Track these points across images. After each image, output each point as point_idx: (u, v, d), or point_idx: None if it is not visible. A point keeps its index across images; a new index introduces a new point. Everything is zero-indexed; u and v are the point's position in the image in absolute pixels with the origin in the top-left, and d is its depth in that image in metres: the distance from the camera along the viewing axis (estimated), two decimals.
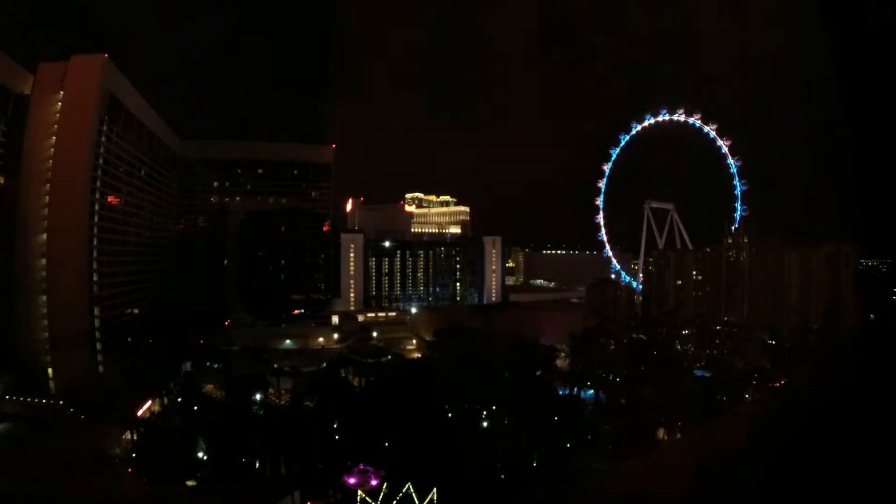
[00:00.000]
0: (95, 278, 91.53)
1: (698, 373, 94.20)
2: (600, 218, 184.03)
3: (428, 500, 46.15)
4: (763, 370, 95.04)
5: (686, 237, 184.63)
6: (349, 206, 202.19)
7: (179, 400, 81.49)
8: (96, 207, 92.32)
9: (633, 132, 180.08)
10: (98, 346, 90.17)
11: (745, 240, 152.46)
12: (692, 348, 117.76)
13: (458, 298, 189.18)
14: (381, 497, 46.86)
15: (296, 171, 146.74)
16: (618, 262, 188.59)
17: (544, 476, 60.65)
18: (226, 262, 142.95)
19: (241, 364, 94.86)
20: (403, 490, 46.38)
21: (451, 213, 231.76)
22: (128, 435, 69.50)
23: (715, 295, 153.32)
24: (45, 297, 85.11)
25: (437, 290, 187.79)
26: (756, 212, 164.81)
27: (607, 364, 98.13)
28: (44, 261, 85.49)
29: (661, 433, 72.13)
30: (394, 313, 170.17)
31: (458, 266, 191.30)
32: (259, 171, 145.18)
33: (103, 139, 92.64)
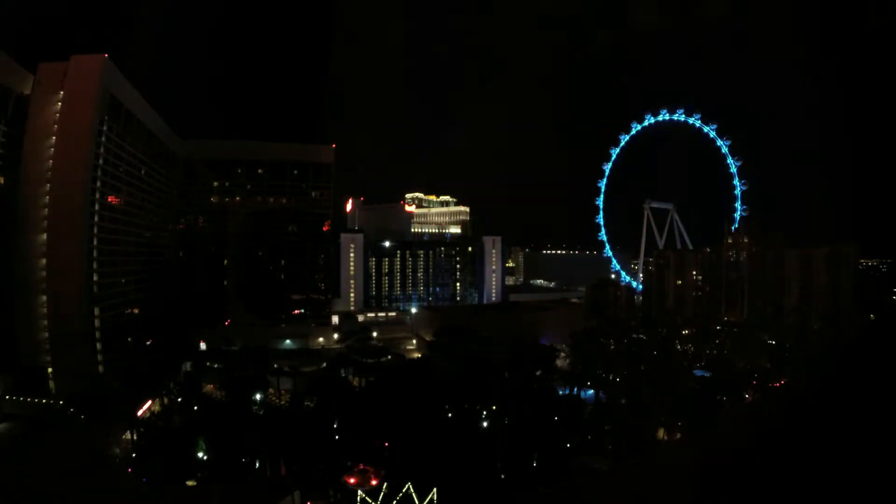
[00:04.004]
0: (95, 278, 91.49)
1: (698, 373, 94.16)
2: (600, 218, 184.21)
3: (428, 500, 46.16)
4: (763, 370, 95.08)
5: (686, 237, 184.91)
6: (349, 206, 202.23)
7: (179, 400, 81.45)
8: (96, 207, 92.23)
9: (634, 132, 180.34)
10: (98, 346, 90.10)
11: (745, 240, 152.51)
12: (692, 348, 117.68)
13: (458, 298, 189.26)
14: (381, 497, 46.87)
15: (296, 171, 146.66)
16: (618, 262, 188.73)
17: (544, 476, 60.64)
18: (226, 262, 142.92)
19: (241, 364, 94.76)
20: (403, 490, 46.40)
21: (451, 213, 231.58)
22: (128, 435, 69.48)
23: (715, 295, 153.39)
24: (45, 297, 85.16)
25: (437, 290, 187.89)
26: (756, 212, 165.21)
27: (607, 364, 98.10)
28: (44, 261, 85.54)
29: (661, 433, 72.13)
30: (394, 313, 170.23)
31: (458, 266, 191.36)
32: (259, 171, 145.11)
33: (103, 139, 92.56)
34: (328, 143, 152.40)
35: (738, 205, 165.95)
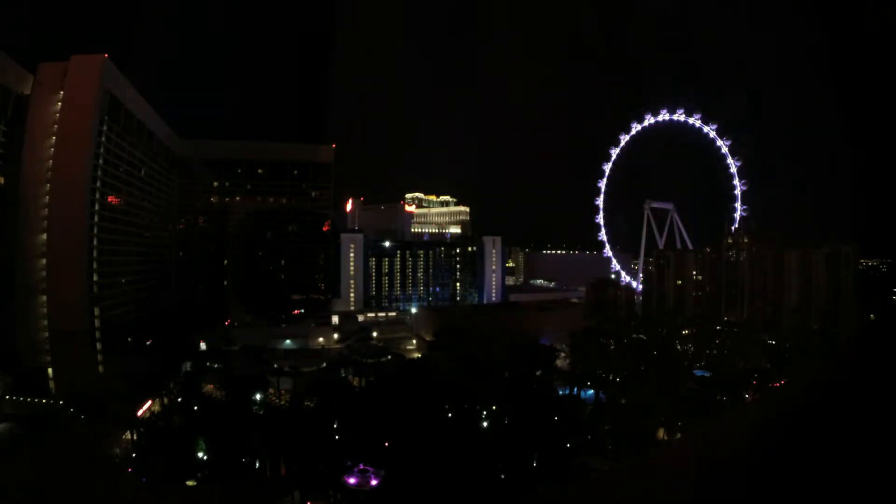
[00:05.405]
0: (95, 278, 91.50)
1: (698, 373, 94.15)
2: (600, 218, 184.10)
3: (428, 500, 46.14)
4: (763, 370, 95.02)
5: (686, 237, 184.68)
6: (349, 206, 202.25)
7: (179, 400, 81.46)
8: (96, 207, 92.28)
9: (633, 132, 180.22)
10: (98, 346, 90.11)
11: (745, 240, 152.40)
12: (692, 348, 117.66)
13: (458, 298, 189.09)
14: (381, 497, 46.85)
15: (296, 171, 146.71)
16: (618, 262, 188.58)
17: (544, 476, 60.63)
18: (226, 262, 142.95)
19: (241, 364, 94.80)
20: (403, 490, 46.38)
21: (451, 213, 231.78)
22: (128, 435, 69.50)
23: (715, 295, 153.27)
24: (45, 297, 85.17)
25: (437, 290, 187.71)
26: (756, 212, 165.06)
27: (607, 364, 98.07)
28: (44, 261, 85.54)
29: (661, 433, 72.12)
30: (394, 313, 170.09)
31: (458, 266, 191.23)
32: (259, 171, 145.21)
33: (103, 139, 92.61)
34: (328, 143, 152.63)
35: (738, 205, 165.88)
